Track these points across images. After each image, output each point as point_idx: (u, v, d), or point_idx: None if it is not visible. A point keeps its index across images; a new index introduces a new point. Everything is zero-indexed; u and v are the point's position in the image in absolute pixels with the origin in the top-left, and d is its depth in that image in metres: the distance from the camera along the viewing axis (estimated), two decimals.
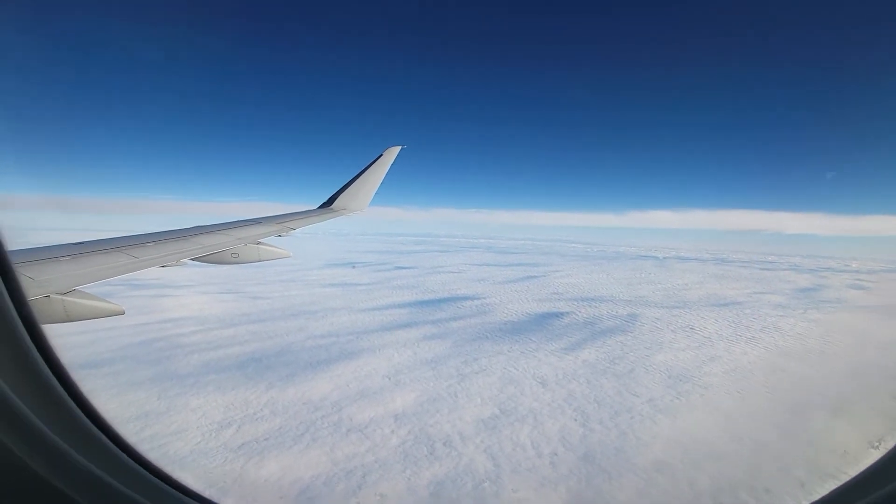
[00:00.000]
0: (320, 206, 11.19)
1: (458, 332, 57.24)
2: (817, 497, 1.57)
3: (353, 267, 78.49)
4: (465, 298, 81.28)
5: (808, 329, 65.26)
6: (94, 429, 1.72)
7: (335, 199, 11.20)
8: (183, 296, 71.45)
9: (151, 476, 1.82)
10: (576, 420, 33.53)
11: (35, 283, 4.00)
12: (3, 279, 1.50)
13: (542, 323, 64.31)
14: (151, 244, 5.96)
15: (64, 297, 4.02)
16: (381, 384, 38.81)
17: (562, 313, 71.37)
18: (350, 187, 11.33)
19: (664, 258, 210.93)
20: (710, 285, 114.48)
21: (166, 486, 1.86)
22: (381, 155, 11.57)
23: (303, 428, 30.60)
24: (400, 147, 11.71)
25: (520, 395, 37.88)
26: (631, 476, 26.25)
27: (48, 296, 3.91)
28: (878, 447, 29.98)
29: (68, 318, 4.03)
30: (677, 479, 26.00)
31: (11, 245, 1.59)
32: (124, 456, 1.78)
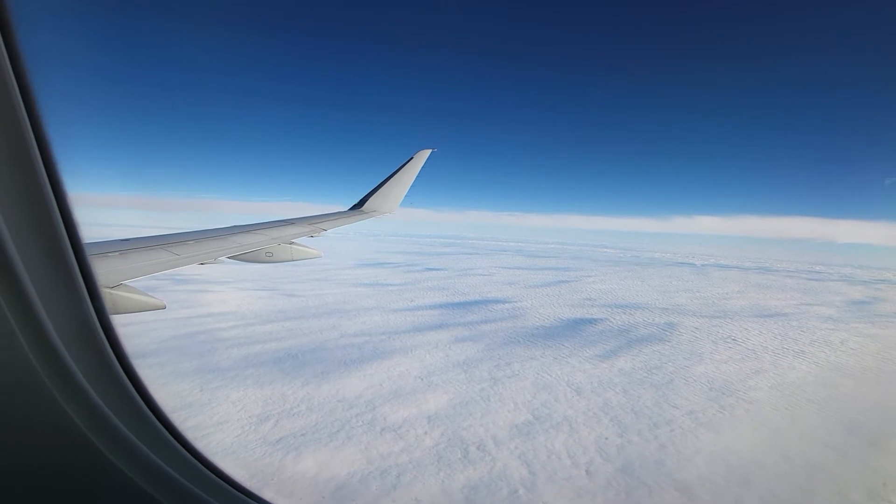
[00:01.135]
0: (351, 208, 11.43)
1: (489, 335, 56.86)
2: None
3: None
4: (497, 301, 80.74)
5: (862, 344, 61.41)
6: (160, 425, 1.81)
7: (366, 200, 11.41)
8: (222, 292, 73.94)
9: (210, 473, 1.92)
10: (613, 430, 32.62)
11: None
12: (81, 274, 1.54)
13: (575, 329, 63.10)
14: (192, 242, 6.21)
15: (112, 291, 4.26)
16: (414, 385, 38.92)
17: (595, 319, 69.83)
18: (381, 189, 11.51)
19: (702, 265, 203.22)
20: (753, 295, 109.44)
21: (225, 484, 1.94)
22: (412, 158, 11.70)
23: (338, 425, 31.02)
24: (430, 150, 11.82)
25: (554, 401, 37.20)
26: (673, 492, 25.27)
27: None
28: None
29: (115, 311, 4.29)
30: (722, 498, 24.84)
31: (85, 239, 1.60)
32: (187, 453, 1.87)
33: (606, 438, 31.21)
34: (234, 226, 7.87)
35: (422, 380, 40.31)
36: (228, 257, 6.30)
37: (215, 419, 31.15)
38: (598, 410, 35.86)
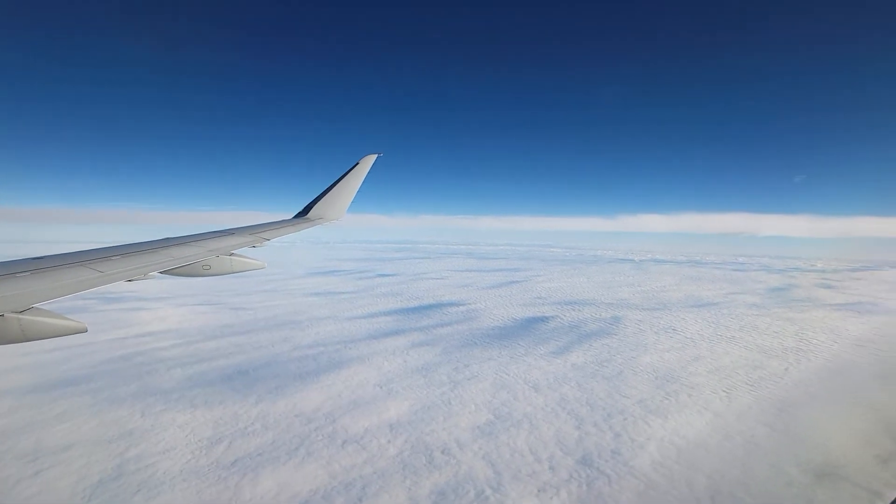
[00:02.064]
0: (296, 216, 11.19)
1: (446, 338, 57.05)
2: None
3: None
4: (451, 304, 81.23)
5: (783, 327, 67.73)
6: None
7: (311, 207, 11.21)
8: (160, 308, 69.06)
9: None
10: (570, 423, 33.74)
11: None
12: None
13: (528, 327, 64.75)
14: (118, 257, 5.80)
15: (21, 316, 3.86)
16: (374, 393, 38.25)
17: (547, 317, 72.08)
18: (326, 196, 11.35)
19: (641, 261, 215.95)
20: (687, 287, 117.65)
21: None
22: (358, 163, 11.65)
23: (297, 441, 29.81)
24: (377, 155, 11.80)
25: (513, 400, 37.90)
26: (630, 478, 26.51)
27: (2, 315, 3.77)
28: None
29: (25, 338, 3.91)
30: (675, 480, 26.39)
31: None
32: None
33: (565, 432, 32.22)
34: (166, 238, 7.44)
35: (381, 388, 39.70)
36: (161, 272, 5.90)
37: (161, 446, 28.91)
38: (556, 405, 36.96)
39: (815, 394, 40.98)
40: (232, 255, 7.11)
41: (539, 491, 25.33)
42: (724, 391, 40.69)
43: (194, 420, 32.55)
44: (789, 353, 53.33)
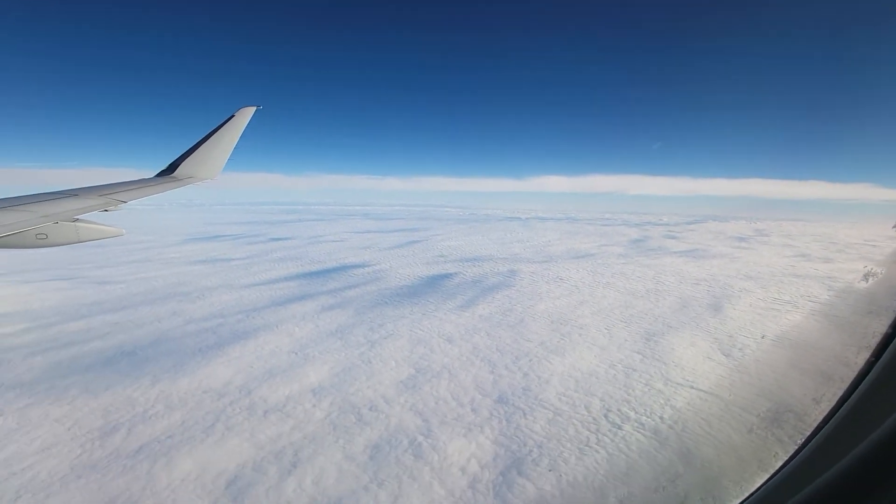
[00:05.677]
0: (159, 174, 9.93)
1: (356, 300, 56.54)
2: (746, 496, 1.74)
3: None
4: (355, 266, 79.97)
5: (644, 273, 79.70)
6: None
7: (178, 165, 9.96)
8: None
9: None
10: (485, 369, 36.61)
11: None
12: None
13: (434, 284, 66.95)
14: None
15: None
16: (290, 361, 36.92)
17: (451, 274, 75.08)
18: (196, 152, 10.16)
19: (527, 219, 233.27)
20: (568, 241, 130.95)
21: None
22: (233, 116, 10.56)
23: (211, 418, 27.85)
24: (255, 108, 10.78)
25: (430, 353, 39.64)
26: (541, 409, 30.08)
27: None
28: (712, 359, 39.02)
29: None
30: (577, 406, 30.64)
31: None
32: None
33: (481, 377, 34.97)
34: None
35: (296, 354, 38.44)
36: None
37: (36, 445, 24.82)
38: (470, 354, 39.60)
39: (670, 324, 49.71)
40: (76, 220, 5.98)
41: (466, 431, 27.55)
42: (605, 329, 47.33)
43: (75, 411, 28.32)
44: (650, 294, 63.40)
